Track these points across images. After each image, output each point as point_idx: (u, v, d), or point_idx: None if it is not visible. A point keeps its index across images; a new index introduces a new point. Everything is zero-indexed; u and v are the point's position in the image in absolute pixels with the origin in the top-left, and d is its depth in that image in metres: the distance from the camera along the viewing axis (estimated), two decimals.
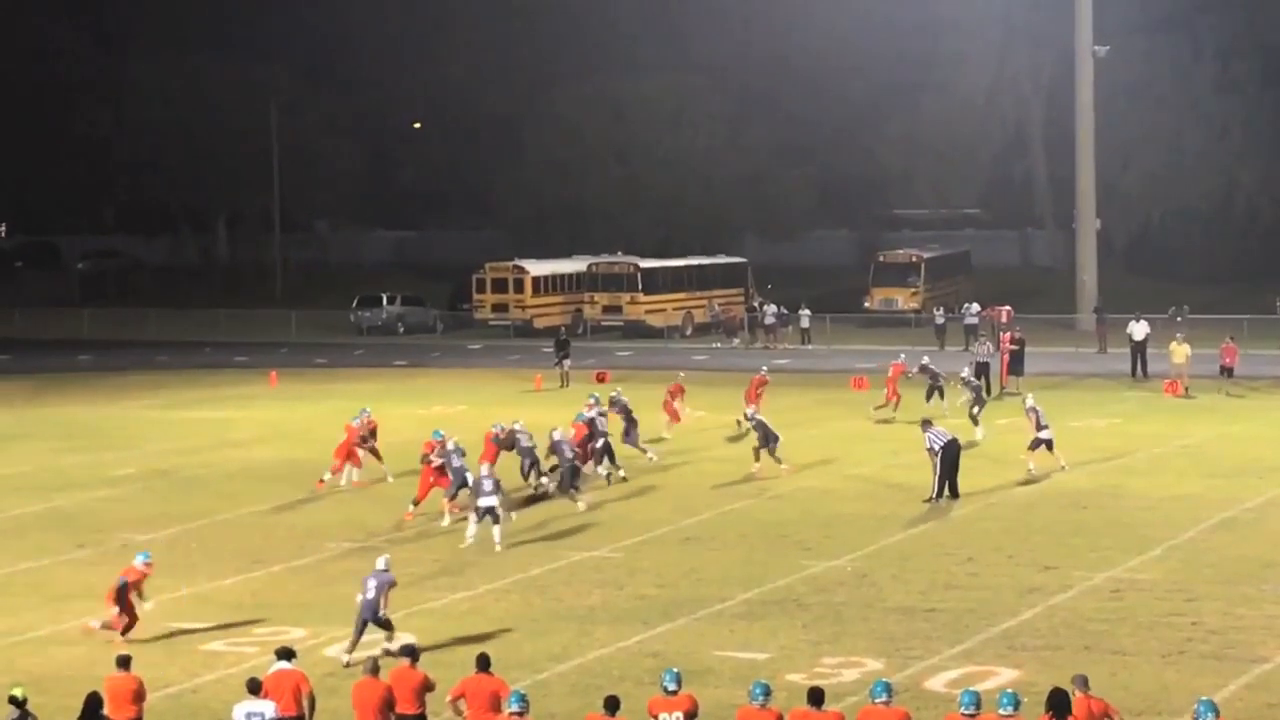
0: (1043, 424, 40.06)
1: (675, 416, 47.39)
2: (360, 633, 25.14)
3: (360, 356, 73.36)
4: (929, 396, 48.95)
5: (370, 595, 25.07)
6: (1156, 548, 32.22)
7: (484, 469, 33.57)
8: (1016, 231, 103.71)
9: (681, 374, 51.76)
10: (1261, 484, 38.70)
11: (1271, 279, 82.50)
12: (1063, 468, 39.84)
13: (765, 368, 52.27)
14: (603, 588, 29.81)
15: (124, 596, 26.32)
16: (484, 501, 32.81)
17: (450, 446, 36.05)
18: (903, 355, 55.05)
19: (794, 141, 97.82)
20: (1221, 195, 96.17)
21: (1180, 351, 55.60)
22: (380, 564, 25.49)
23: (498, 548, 32.47)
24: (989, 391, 51.34)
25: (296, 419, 51.87)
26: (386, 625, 25.31)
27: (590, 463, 39.69)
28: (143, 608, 26.60)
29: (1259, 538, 33.22)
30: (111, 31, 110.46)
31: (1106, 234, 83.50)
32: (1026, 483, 39.15)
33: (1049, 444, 40.02)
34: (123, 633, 26.17)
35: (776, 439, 40.36)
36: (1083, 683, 18.87)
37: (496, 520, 32.82)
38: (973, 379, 48.17)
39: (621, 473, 40.20)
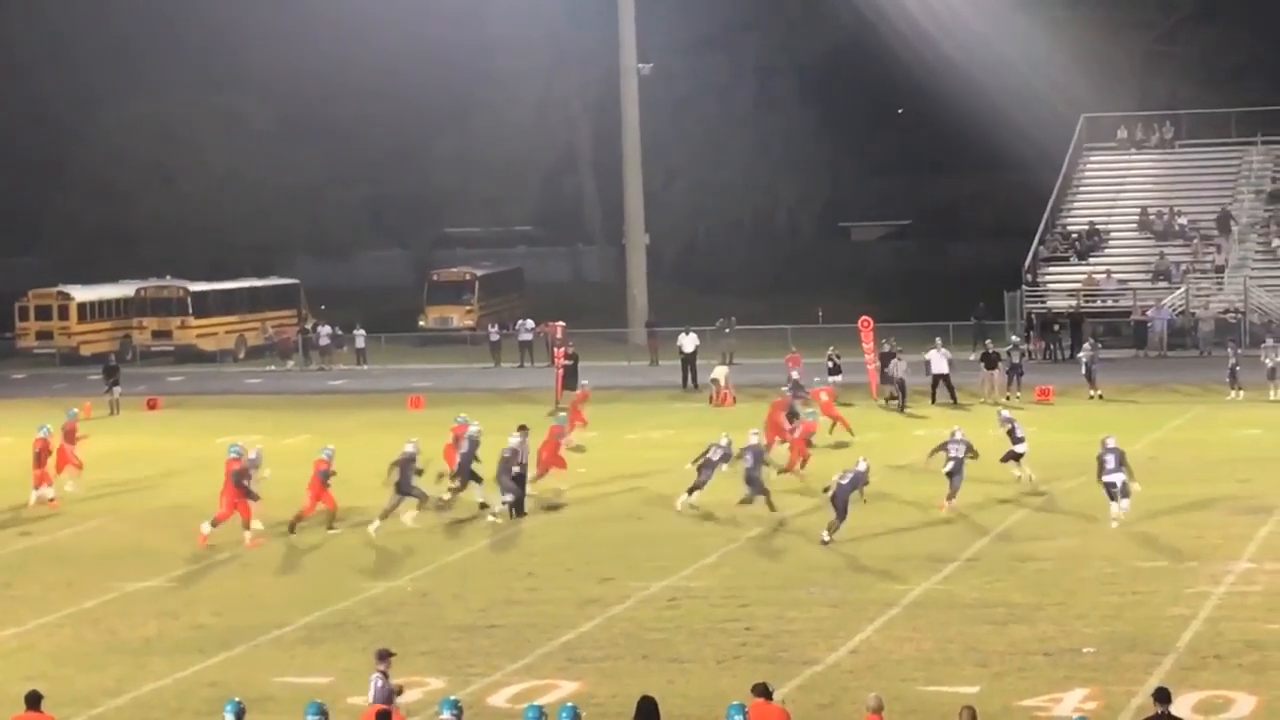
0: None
1: (781, 432, 43.34)
2: None
3: None
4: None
5: None
6: (711, 555, 32.89)
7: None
8: (568, 248, 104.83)
9: (784, 389, 48.55)
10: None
11: (813, 289, 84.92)
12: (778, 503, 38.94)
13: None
14: (159, 618, 29.19)
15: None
16: None
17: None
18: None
19: (346, 160, 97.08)
20: (764, 209, 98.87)
21: (720, 372, 57.55)
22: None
23: None
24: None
25: None
26: None
27: None
28: None
29: (808, 543, 34.02)
30: None
31: (655, 249, 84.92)
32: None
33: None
34: None
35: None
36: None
37: None
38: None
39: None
